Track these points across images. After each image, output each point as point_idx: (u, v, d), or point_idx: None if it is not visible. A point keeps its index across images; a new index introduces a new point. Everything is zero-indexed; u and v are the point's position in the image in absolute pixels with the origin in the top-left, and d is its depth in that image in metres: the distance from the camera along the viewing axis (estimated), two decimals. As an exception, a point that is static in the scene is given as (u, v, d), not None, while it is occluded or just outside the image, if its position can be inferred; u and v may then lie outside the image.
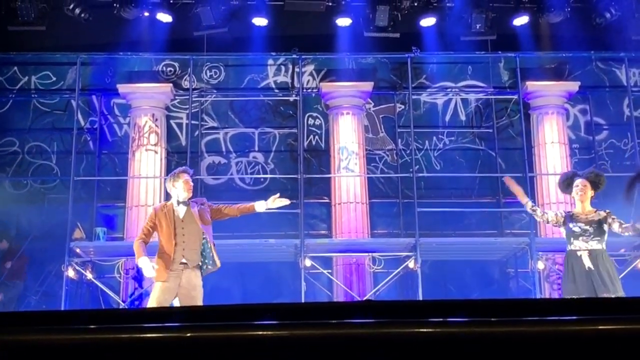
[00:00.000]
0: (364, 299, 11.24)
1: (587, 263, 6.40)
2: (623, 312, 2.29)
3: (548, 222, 6.94)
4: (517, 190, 6.83)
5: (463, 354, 2.22)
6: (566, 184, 6.84)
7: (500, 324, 2.28)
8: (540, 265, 11.33)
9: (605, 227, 6.60)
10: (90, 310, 7.86)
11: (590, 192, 6.75)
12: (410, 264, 11.14)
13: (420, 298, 10.80)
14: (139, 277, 11.68)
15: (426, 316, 2.38)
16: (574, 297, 6.19)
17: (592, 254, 6.45)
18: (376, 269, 12.08)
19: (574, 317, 2.25)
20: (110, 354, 2.33)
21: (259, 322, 2.45)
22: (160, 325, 2.44)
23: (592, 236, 6.50)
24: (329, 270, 11.79)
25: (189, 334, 2.42)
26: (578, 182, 6.72)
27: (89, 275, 11.35)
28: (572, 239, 6.54)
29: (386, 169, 12.87)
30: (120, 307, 11.24)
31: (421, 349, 2.23)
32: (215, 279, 12.01)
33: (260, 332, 2.37)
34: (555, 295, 11.72)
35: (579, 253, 6.47)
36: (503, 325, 2.28)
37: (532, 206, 7.01)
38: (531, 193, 11.89)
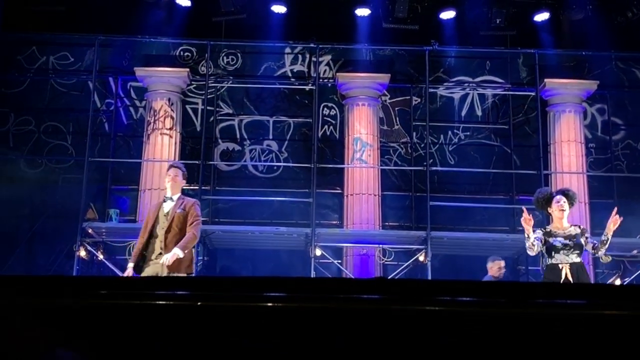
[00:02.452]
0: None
1: (569, 276, 6.56)
2: (626, 299, 2.31)
3: (534, 253, 6.96)
4: (527, 228, 6.77)
5: (470, 332, 2.25)
6: (546, 199, 7.01)
7: (508, 305, 2.30)
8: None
9: (583, 240, 6.77)
10: (103, 277, 7.88)
11: (568, 208, 6.92)
12: (421, 257, 11.14)
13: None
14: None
15: (437, 295, 2.40)
16: None
17: (573, 267, 6.62)
18: (386, 260, 12.10)
19: (580, 302, 2.27)
20: (122, 319, 2.37)
21: (268, 294, 2.48)
22: (171, 292, 2.48)
23: (572, 250, 6.67)
24: (339, 261, 11.80)
25: (199, 303, 2.45)
26: (559, 197, 6.91)
27: (100, 256, 11.41)
28: (553, 252, 6.69)
29: (400, 162, 12.85)
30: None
31: (430, 326, 2.25)
32: (226, 263, 12.13)
33: (270, 304, 2.40)
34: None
35: (560, 266, 6.62)
36: (511, 306, 2.30)
37: (532, 241, 6.81)
38: (545, 191, 11.88)
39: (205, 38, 12.48)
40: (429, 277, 10.85)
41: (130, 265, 6.73)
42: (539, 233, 6.75)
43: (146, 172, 12.06)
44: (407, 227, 12.23)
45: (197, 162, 11.89)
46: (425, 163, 11.85)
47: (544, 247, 6.75)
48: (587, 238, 6.85)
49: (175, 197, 6.83)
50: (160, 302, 2.35)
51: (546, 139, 12.41)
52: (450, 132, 13.05)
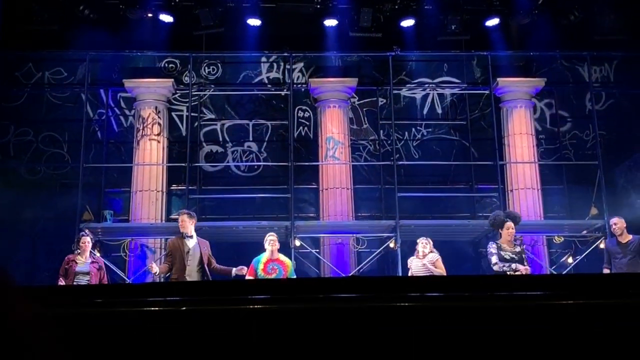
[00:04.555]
0: (349, 274, 11.17)
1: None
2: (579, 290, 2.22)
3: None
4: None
5: (439, 324, 2.15)
6: (499, 224, 8.21)
7: (471, 299, 2.20)
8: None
9: (524, 256, 8.15)
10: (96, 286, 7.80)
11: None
12: (391, 244, 11.07)
13: (400, 275, 10.73)
14: (142, 256, 11.59)
15: (406, 291, 2.30)
16: None
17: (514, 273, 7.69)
18: (360, 248, 12.00)
19: (538, 293, 2.17)
20: (111, 324, 2.25)
21: (252, 297, 2.36)
22: (158, 299, 2.35)
23: (517, 261, 7.84)
24: (317, 250, 11.71)
25: (184, 307, 2.33)
26: (510, 224, 8.11)
27: (97, 254, 11.18)
28: (501, 262, 7.82)
29: (369, 158, 12.77)
30: (126, 283, 11.13)
31: (403, 320, 2.15)
32: (213, 255, 11.94)
33: (252, 306, 2.28)
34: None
35: (508, 273, 7.70)
36: (474, 299, 2.20)
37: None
38: (502, 179, 11.84)
39: (188, 50, 12.33)
40: (399, 262, 10.78)
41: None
42: (494, 247, 7.99)
43: (137, 175, 11.89)
44: (378, 217, 12.14)
45: (183, 164, 11.73)
46: (392, 158, 11.78)
47: (494, 259, 7.88)
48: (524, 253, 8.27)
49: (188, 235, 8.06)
50: (146, 309, 2.23)
51: (500, 133, 12.38)
52: (413, 129, 12.98)
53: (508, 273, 7.70)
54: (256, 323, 2.20)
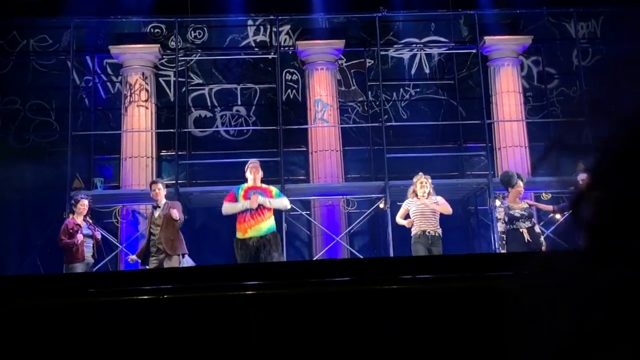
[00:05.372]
0: (340, 235, 11.18)
1: (527, 236, 7.88)
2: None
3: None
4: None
5: (429, 305, 2.12)
6: (512, 182, 8.25)
7: (460, 280, 2.18)
8: (497, 202, 11.26)
9: (532, 210, 8.42)
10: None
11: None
12: (381, 205, 11.04)
13: (390, 235, 10.74)
14: (135, 221, 11.55)
15: (398, 272, 2.27)
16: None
17: (529, 230, 7.93)
18: (350, 209, 11.97)
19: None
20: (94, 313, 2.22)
21: (242, 283, 2.32)
22: (152, 287, 2.31)
23: (527, 218, 8.02)
24: (308, 212, 11.68)
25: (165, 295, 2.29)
26: (521, 184, 8.26)
27: (89, 220, 11.11)
28: (514, 221, 7.98)
29: (358, 119, 12.68)
30: (119, 248, 11.10)
31: (395, 302, 2.13)
32: (204, 220, 11.91)
33: (243, 292, 2.24)
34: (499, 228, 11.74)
35: (521, 230, 7.91)
36: (463, 280, 2.17)
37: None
38: (490, 138, 11.79)
39: (173, 15, 12.12)
40: (389, 222, 10.78)
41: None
42: (501, 211, 8.24)
43: (126, 142, 11.78)
44: (367, 178, 12.10)
45: (172, 130, 11.61)
46: (380, 119, 11.69)
47: (506, 217, 8.03)
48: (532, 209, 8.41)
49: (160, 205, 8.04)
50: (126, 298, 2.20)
51: (488, 91, 12.29)
52: (401, 90, 12.88)
53: (521, 230, 7.92)
54: (252, 309, 2.16)
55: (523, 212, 8.07)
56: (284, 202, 7.90)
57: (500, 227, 8.23)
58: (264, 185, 7.88)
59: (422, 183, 8.25)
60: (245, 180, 7.97)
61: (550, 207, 8.88)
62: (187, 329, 2.13)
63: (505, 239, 8.09)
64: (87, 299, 2.24)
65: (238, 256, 7.36)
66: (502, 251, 8.07)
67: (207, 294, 2.17)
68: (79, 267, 8.45)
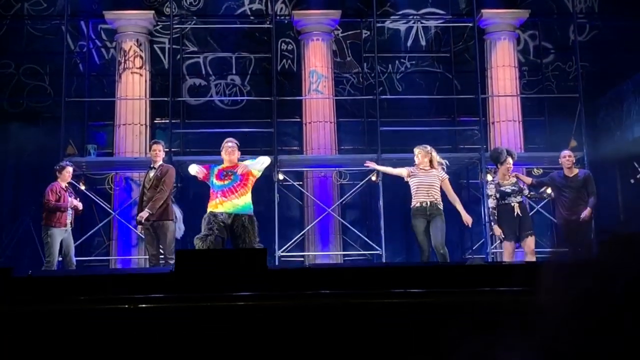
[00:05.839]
0: (332, 207, 11.20)
1: (517, 211, 8.01)
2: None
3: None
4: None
5: (419, 319, 2.12)
6: (501, 159, 8.24)
7: (451, 294, 2.17)
8: (489, 177, 11.27)
9: (521, 185, 8.34)
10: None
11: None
12: (373, 177, 11.04)
13: (382, 208, 10.77)
14: (128, 188, 11.54)
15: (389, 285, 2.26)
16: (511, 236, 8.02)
17: (520, 205, 8.08)
18: (342, 181, 11.98)
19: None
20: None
21: (235, 294, 2.32)
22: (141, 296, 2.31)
23: (518, 193, 8.12)
24: (300, 183, 11.68)
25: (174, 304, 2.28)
26: (510, 161, 8.22)
27: (82, 187, 11.12)
28: (506, 197, 8.06)
29: (352, 91, 12.62)
30: (112, 215, 11.11)
31: (386, 316, 2.12)
32: (197, 190, 11.89)
33: (235, 303, 2.24)
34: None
35: (512, 204, 8.03)
36: (454, 295, 2.17)
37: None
38: (484, 112, 11.74)
39: (169, -19, 11.97)
40: (381, 195, 10.80)
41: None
42: (492, 187, 8.22)
43: (120, 109, 11.70)
44: (361, 150, 12.06)
45: (166, 98, 11.54)
46: (375, 91, 11.62)
47: (497, 194, 8.10)
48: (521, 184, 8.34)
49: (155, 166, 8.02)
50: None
51: (484, 65, 12.20)
52: (397, 62, 12.80)
53: (512, 204, 8.01)
54: (243, 320, 2.16)
55: (514, 187, 8.15)
56: (260, 160, 7.37)
57: (492, 203, 8.23)
58: (240, 163, 7.27)
59: (415, 154, 7.92)
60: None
61: (529, 180, 8.83)
62: (176, 339, 2.13)
63: (496, 214, 8.13)
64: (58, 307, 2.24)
65: (203, 225, 6.86)
66: (495, 226, 8.10)
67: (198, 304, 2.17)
68: (57, 233, 8.43)
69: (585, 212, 8.24)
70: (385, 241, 10.73)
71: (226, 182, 6.98)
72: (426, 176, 7.79)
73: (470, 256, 11.07)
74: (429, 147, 7.97)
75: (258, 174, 7.25)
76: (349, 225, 11.40)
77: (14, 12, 12.49)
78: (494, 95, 11.99)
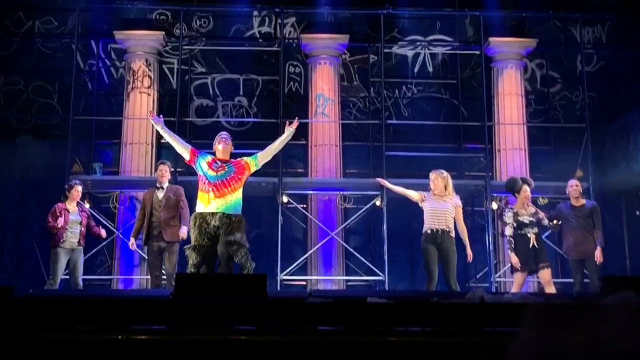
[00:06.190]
0: (336, 231, 11.15)
1: (533, 242, 7.91)
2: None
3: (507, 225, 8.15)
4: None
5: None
6: (517, 188, 8.16)
7: (455, 334, 2.13)
8: (494, 205, 11.24)
9: (540, 215, 8.12)
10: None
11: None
12: (377, 202, 11.02)
13: (385, 233, 10.72)
14: (132, 207, 11.53)
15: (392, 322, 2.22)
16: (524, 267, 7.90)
17: (537, 236, 7.95)
18: (347, 205, 11.95)
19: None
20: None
21: (235, 328, 2.29)
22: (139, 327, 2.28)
23: (535, 225, 8.01)
24: (304, 205, 11.65)
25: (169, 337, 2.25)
26: (527, 189, 8.12)
27: (87, 205, 11.10)
28: (523, 227, 7.95)
29: (359, 115, 12.63)
30: (115, 234, 11.10)
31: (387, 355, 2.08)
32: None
33: (240, 337, 2.20)
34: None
35: (528, 235, 7.91)
36: (458, 335, 2.13)
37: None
38: (490, 139, 11.72)
39: (179, 3, 12.04)
40: (385, 220, 10.76)
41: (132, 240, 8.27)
42: (510, 216, 8.02)
43: (127, 128, 11.73)
44: (366, 174, 12.02)
45: (173, 118, 11.56)
46: (381, 116, 11.62)
47: (515, 223, 7.96)
48: (543, 216, 8.11)
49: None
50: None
51: (490, 92, 12.20)
52: (404, 87, 12.82)
53: (529, 236, 7.92)
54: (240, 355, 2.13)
55: (531, 219, 8.02)
56: (268, 150, 6.93)
57: (509, 231, 8.09)
58: (234, 159, 6.73)
59: (432, 179, 7.91)
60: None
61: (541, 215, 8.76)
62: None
63: (513, 242, 8.03)
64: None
65: (193, 233, 6.41)
66: (512, 254, 7.99)
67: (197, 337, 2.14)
68: (62, 253, 8.48)
69: (597, 254, 8.16)
70: (389, 266, 10.66)
71: (220, 174, 6.45)
72: (440, 203, 7.73)
73: (474, 285, 10.97)
74: (445, 173, 7.93)
75: (255, 168, 6.73)
76: (352, 250, 11.34)
77: (25, 29, 12.58)
78: (500, 123, 11.97)
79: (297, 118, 7.08)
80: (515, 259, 7.94)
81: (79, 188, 8.86)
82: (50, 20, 12.58)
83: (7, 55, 12.42)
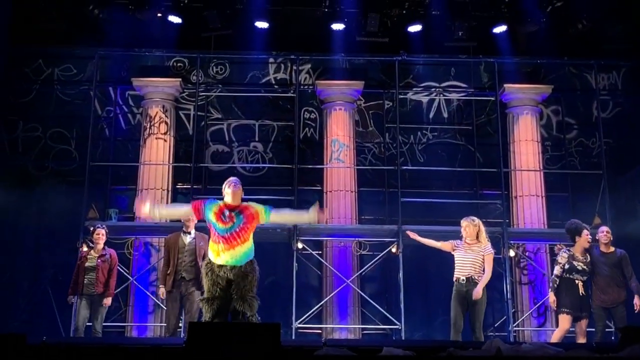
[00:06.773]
0: (351, 278, 11.02)
1: (581, 290, 7.96)
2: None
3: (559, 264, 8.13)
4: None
5: None
6: (578, 231, 8.13)
7: None
8: (512, 252, 11.10)
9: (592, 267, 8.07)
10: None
11: None
12: (393, 249, 10.91)
13: (401, 280, 10.59)
14: (147, 254, 11.49)
15: None
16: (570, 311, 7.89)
17: (584, 285, 7.98)
18: (362, 252, 11.83)
19: None
20: None
21: None
22: None
23: (587, 273, 8.01)
24: (319, 252, 11.55)
25: None
26: (588, 233, 8.10)
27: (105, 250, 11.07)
28: (574, 272, 7.97)
29: (374, 161, 12.59)
30: (130, 281, 11.05)
31: None
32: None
33: None
34: (525, 280, 11.48)
35: (577, 282, 7.95)
36: None
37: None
38: (506, 186, 11.63)
39: (196, 50, 12.18)
40: (401, 267, 10.64)
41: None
42: (565, 256, 8.03)
43: (143, 173, 11.76)
44: (381, 220, 11.94)
45: (189, 164, 11.61)
46: (396, 161, 11.59)
47: (567, 265, 7.98)
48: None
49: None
50: None
51: (506, 139, 12.16)
52: (419, 133, 12.79)
53: (577, 282, 7.94)
54: None
55: (585, 267, 8.01)
56: (282, 215, 6.98)
57: (557, 270, 8.03)
58: (244, 204, 6.43)
59: (463, 227, 7.67)
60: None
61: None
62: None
63: (557, 282, 7.97)
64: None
65: (205, 281, 6.27)
66: (551, 293, 7.98)
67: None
68: (80, 301, 8.56)
69: (637, 302, 7.92)
70: (405, 314, 10.49)
71: (228, 226, 6.18)
72: (469, 251, 7.59)
73: (491, 333, 10.76)
74: (476, 220, 7.71)
75: (264, 222, 6.46)
76: (368, 298, 11.19)
77: (45, 77, 12.72)
78: (516, 170, 11.89)
79: (317, 202, 6.82)
80: (552, 298, 7.93)
81: (102, 232, 8.93)
82: (69, 68, 12.73)
83: (26, 102, 12.53)
